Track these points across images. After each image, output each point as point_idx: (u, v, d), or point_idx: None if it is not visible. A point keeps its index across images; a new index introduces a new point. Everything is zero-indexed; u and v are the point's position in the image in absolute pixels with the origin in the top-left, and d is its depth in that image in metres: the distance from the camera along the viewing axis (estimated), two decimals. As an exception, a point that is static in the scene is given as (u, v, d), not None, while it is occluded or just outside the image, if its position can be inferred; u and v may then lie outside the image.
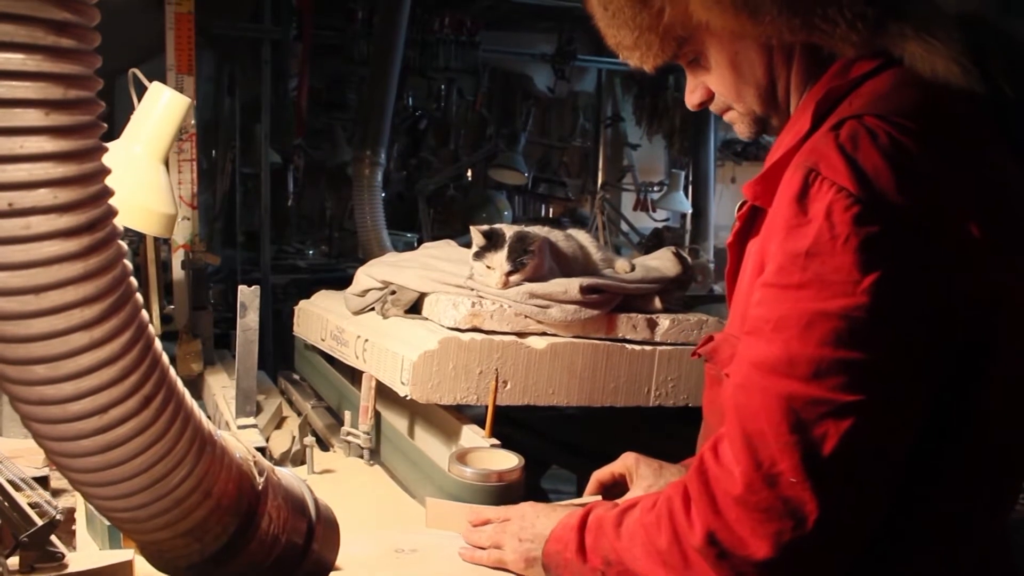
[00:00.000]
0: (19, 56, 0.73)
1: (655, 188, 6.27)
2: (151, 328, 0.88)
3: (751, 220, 1.20)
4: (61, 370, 0.80)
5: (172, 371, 0.92)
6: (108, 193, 0.82)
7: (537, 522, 1.31)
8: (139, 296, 0.87)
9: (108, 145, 0.84)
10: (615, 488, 1.50)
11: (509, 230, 1.81)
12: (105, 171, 0.82)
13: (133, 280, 0.86)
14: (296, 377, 2.48)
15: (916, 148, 0.97)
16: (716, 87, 1.22)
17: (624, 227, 5.74)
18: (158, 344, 0.90)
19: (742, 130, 1.25)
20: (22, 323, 0.77)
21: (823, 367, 0.95)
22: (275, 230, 4.91)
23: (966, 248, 0.97)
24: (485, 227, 1.83)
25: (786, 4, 1.07)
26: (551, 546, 1.25)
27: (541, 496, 2.19)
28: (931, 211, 0.96)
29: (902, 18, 1.07)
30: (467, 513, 1.43)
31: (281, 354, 3.30)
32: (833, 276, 0.94)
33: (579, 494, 3.08)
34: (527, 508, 1.37)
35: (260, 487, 1.05)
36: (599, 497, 1.47)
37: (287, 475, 1.16)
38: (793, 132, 1.12)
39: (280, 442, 1.94)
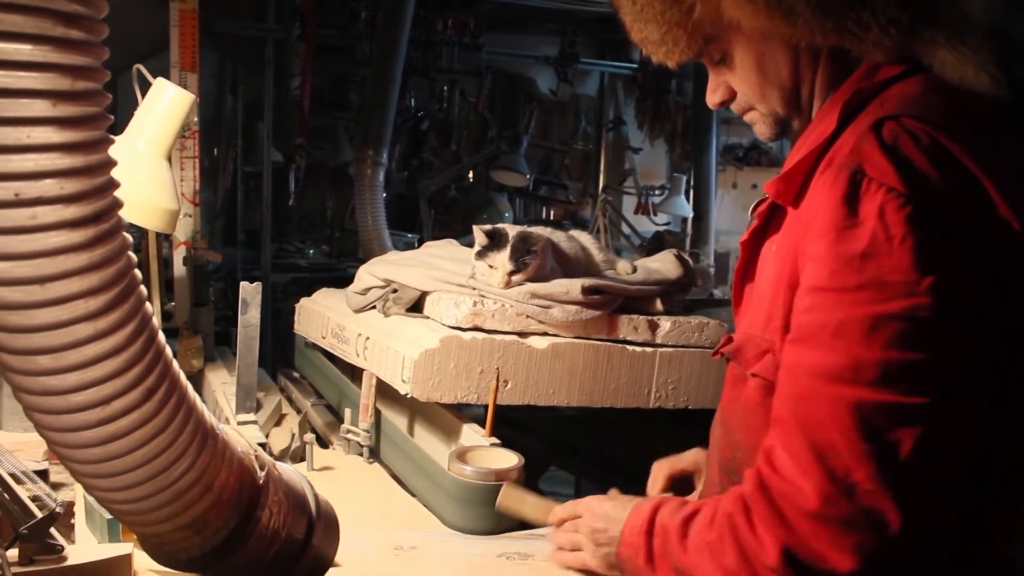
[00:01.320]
0: (27, 47, 0.73)
1: (656, 192, 6.26)
2: (155, 320, 0.89)
3: (769, 218, 1.20)
4: (65, 361, 0.80)
5: (175, 364, 0.93)
6: (114, 184, 0.83)
7: (609, 524, 1.29)
8: (143, 288, 0.87)
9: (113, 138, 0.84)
10: (681, 484, 1.49)
11: (512, 230, 1.81)
12: (111, 162, 0.82)
13: (137, 272, 0.86)
14: (296, 375, 2.48)
15: (956, 148, 0.98)
16: (740, 87, 1.21)
17: (625, 230, 5.74)
18: (161, 337, 0.90)
19: (763, 131, 1.24)
20: (27, 313, 0.78)
21: (891, 371, 0.94)
22: (276, 229, 4.91)
23: (1013, 242, 0.98)
24: (488, 226, 1.83)
25: (820, 6, 1.06)
26: (624, 551, 1.23)
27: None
28: (978, 208, 0.97)
29: (935, 25, 1.07)
30: (536, 503, 1.43)
31: (281, 353, 3.29)
32: (892, 277, 0.94)
33: (578, 493, 3.08)
34: (595, 505, 1.34)
35: (261, 482, 1.06)
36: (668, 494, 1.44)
37: (288, 470, 1.16)
38: (817, 133, 1.12)
39: (279, 439, 1.94)
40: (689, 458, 1.48)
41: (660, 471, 1.49)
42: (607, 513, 1.30)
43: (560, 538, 1.38)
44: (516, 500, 1.44)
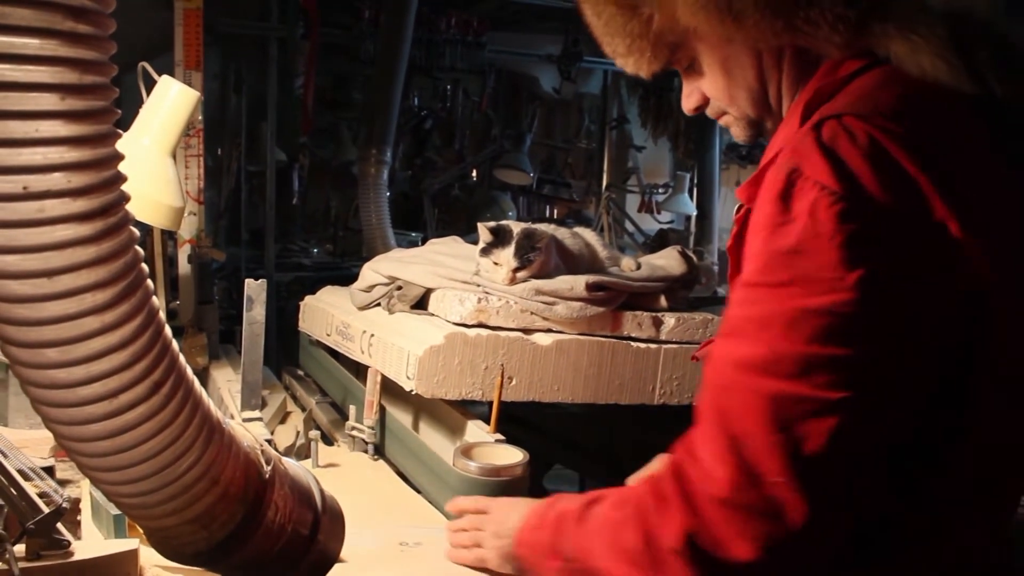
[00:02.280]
0: (36, 41, 0.73)
1: (660, 190, 6.26)
2: (161, 315, 0.89)
3: (746, 223, 1.21)
4: (72, 354, 0.81)
5: (182, 358, 0.93)
6: (121, 178, 0.83)
7: (510, 517, 1.31)
8: (150, 283, 0.87)
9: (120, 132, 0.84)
10: None
11: (516, 227, 1.81)
12: (119, 156, 0.82)
13: (144, 266, 0.86)
14: (300, 373, 2.48)
15: (895, 147, 0.97)
16: (710, 91, 1.22)
17: (629, 228, 5.74)
18: (168, 331, 0.90)
19: (738, 133, 1.25)
20: (35, 306, 0.78)
21: (809, 365, 0.94)
22: (280, 228, 4.91)
23: (948, 247, 0.96)
24: (492, 223, 1.84)
25: (768, 7, 1.06)
26: (519, 548, 1.25)
27: (544, 496, 2.19)
28: (912, 210, 0.96)
29: (885, 17, 1.07)
30: None
31: (285, 351, 3.30)
32: (818, 273, 0.94)
33: (582, 492, 3.07)
34: (503, 502, 1.37)
35: (267, 476, 1.06)
36: None
37: (294, 465, 1.16)
38: (784, 134, 1.12)
39: (284, 437, 1.94)
40: (656, 466, 1.47)
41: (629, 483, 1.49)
42: (511, 507, 1.34)
43: (460, 537, 1.40)
44: None
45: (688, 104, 1.26)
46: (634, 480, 1.47)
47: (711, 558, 0.97)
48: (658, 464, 1.47)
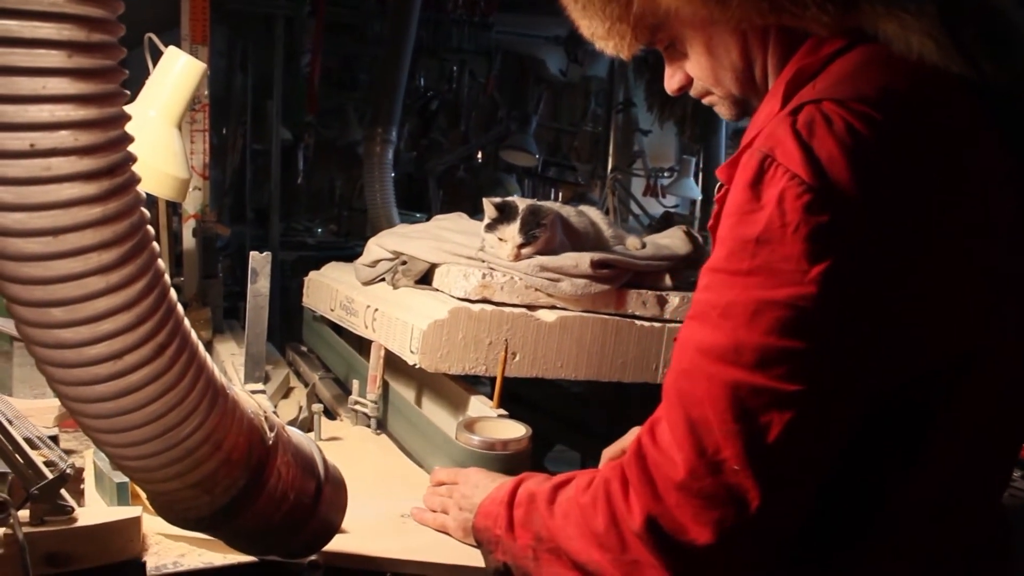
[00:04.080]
0: (43, -4, 0.73)
1: (665, 174, 6.25)
2: (167, 277, 0.89)
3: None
4: (78, 313, 0.81)
5: (187, 322, 0.93)
6: (128, 139, 0.83)
7: (475, 492, 1.33)
8: (156, 245, 0.87)
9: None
10: None
11: (522, 203, 1.81)
12: (125, 117, 0.82)
13: (150, 228, 0.86)
14: (304, 349, 2.49)
15: (873, 137, 0.95)
16: (694, 72, 1.20)
17: (635, 210, 5.73)
18: (173, 294, 0.91)
19: (724, 112, 1.24)
20: (40, 264, 0.78)
21: (768, 356, 0.94)
22: (284, 207, 4.91)
23: (921, 241, 0.96)
24: (498, 199, 1.83)
25: None
26: (480, 521, 1.26)
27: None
28: (884, 203, 0.94)
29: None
30: None
31: (289, 329, 3.30)
32: (782, 265, 0.93)
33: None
34: (472, 474, 1.39)
35: (270, 443, 1.06)
36: None
37: (297, 434, 1.17)
38: (765, 114, 1.10)
39: (287, 411, 1.94)
40: (629, 437, 1.49)
41: (604, 455, 1.50)
42: (478, 482, 1.36)
43: (432, 499, 1.43)
44: None
45: (671, 85, 1.25)
46: (608, 453, 1.48)
47: (673, 541, 0.98)
48: (631, 437, 1.48)
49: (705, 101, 1.24)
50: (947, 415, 1.01)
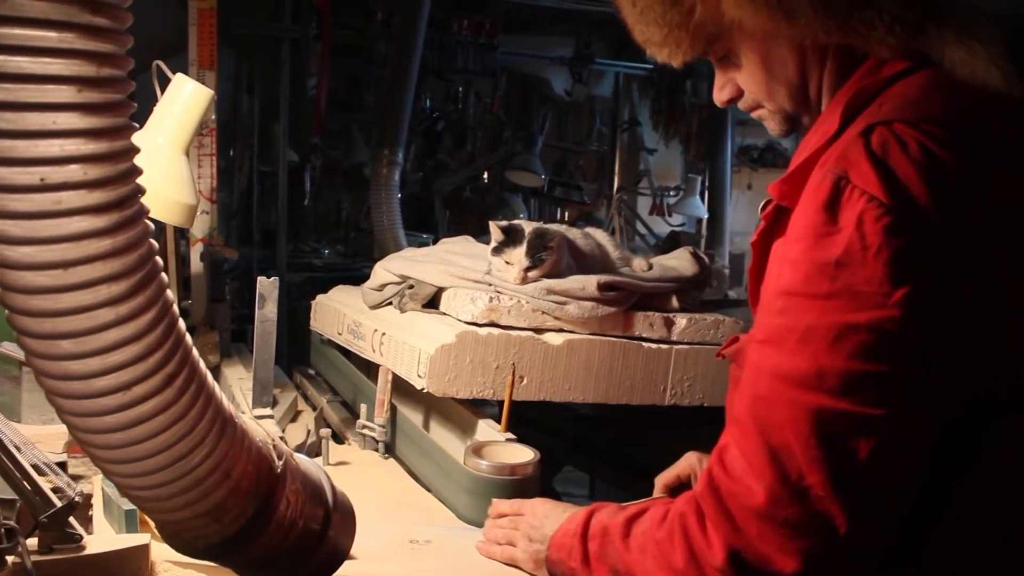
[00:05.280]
0: (54, 33, 0.74)
1: (671, 193, 6.26)
2: (175, 308, 0.89)
3: (776, 219, 1.20)
4: (87, 345, 0.81)
5: (195, 351, 0.93)
6: (137, 171, 0.83)
7: (546, 523, 1.31)
8: (164, 276, 0.88)
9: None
10: (681, 490, 1.46)
11: (528, 226, 1.81)
12: (134, 150, 0.83)
13: (159, 259, 0.87)
14: (311, 372, 2.49)
15: (946, 157, 0.96)
16: (746, 85, 1.20)
17: (641, 230, 5.74)
18: (182, 324, 0.91)
19: (773, 127, 1.23)
20: (50, 297, 0.78)
21: (852, 380, 0.93)
22: (291, 229, 4.92)
23: (996, 259, 0.96)
24: (504, 222, 1.84)
25: (822, 6, 1.05)
26: (554, 553, 1.25)
27: (553, 496, 2.19)
28: (961, 222, 0.95)
29: (942, 21, 1.05)
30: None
31: (296, 352, 3.30)
32: (864, 287, 0.93)
33: (591, 495, 3.07)
34: (539, 505, 1.37)
35: (279, 471, 1.06)
36: None
37: (305, 461, 1.17)
38: (821, 132, 1.10)
39: (295, 435, 1.95)
40: (684, 462, 1.48)
41: (658, 482, 1.48)
42: (548, 512, 1.33)
43: (495, 532, 1.39)
44: None
45: (721, 96, 1.24)
46: (662, 480, 1.47)
47: (757, 572, 0.97)
48: (685, 464, 1.46)
49: (754, 115, 1.24)
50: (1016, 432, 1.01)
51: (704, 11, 1.13)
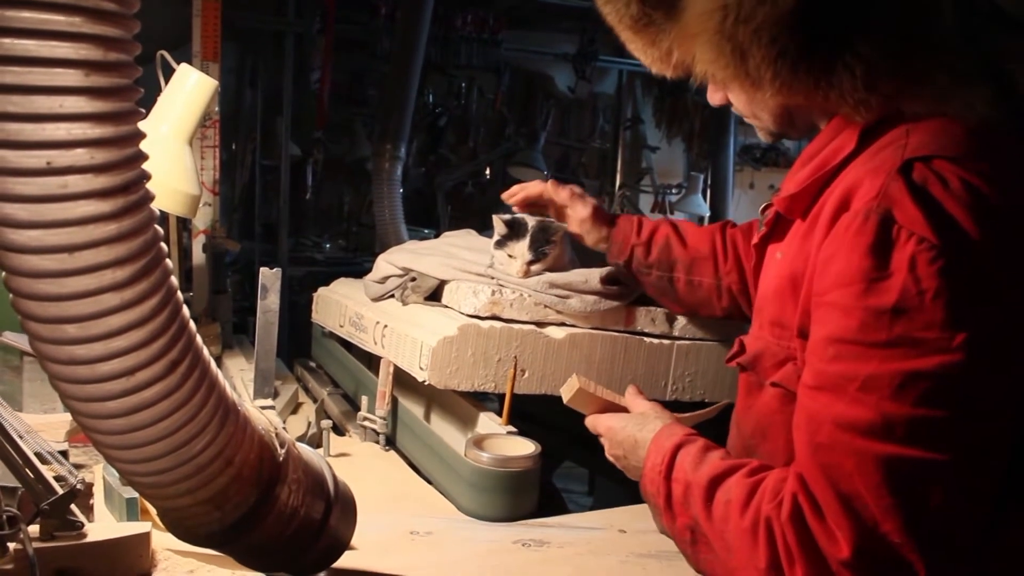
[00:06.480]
0: (61, 16, 0.74)
1: (673, 191, 6.26)
2: (179, 294, 0.89)
3: (775, 226, 1.22)
4: (91, 330, 0.81)
5: (199, 338, 0.93)
6: (142, 156, 0.83)
7: (629, 454, 1.32)
8: (169, 262, 0.87)
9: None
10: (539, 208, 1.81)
11: (531, 220, 1.81)
12: (140, 135, 0.83)
13: (164, 245, 0.87)
14: (312, 364, 2.49)
15: (989, 193, 0.95)
16: (734, 101, 1.23)
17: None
18: (186, 310, 0.91)
19: (762, 136, 1.26)
20: (55, 281, 0.78)
21: (919, 428, 0.93)
22: (293, 223, 4.92)
23: None
24: (507, 216, 1.84)
25: (785, 85, 1.05)
26: (647, 485, 1.23)
27: (552, 492, 2.19)
28: (1010, 257, 0.94)
29: (928, 80, 1.04)
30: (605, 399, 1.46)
31: (297, 345, 3.30)
32: (924, 334, 0.92)
33: (591, 492, 3.05)
34: (614, 427, 1.38)
35: (281, 459, 1.06)
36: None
37: (307, 451, 1.17)
38: (831, 149, 1.11)
39: (296, 427, 1.95)
40: (536, 188, 1.75)
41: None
42: (623, 442, 1.34)
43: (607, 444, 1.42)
44: (584, 395, 1.47)
45: (714, 100, 1.27)
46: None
47: None
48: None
49: (746, 120, 1.26)
50: None
51: (681, 55, 1.16)
